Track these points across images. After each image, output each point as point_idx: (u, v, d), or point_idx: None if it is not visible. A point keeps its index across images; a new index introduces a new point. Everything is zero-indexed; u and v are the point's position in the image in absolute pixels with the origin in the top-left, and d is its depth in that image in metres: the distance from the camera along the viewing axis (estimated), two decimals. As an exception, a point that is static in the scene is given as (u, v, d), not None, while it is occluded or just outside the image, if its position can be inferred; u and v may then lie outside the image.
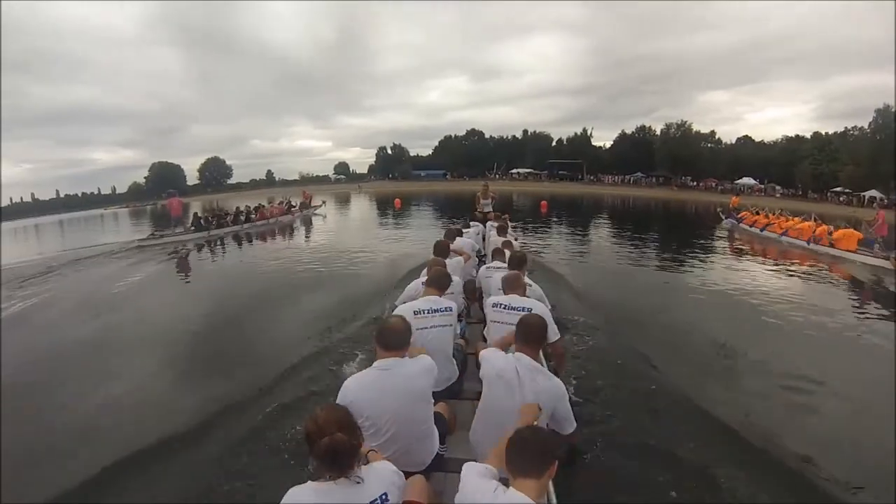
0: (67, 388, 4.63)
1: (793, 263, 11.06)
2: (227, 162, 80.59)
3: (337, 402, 1.99)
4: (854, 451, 3.41)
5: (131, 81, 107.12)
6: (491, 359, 2.30)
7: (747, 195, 42.74)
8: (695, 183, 54.33)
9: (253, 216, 19.09)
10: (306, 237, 16.60)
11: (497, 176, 62.46)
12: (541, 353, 2.81)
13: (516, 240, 6.85)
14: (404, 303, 3.30)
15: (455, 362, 3.01)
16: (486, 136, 73.97)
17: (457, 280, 3.85)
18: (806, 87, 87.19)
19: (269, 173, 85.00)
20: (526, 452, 1.48)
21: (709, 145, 57.68)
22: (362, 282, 8.38)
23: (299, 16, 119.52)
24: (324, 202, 26.74)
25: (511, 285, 3.22)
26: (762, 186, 50.52)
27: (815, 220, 13.75)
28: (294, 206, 22.61)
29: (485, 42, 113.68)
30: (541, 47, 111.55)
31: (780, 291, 8.16)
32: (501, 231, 6.25)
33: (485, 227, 7.84)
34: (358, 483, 1.47)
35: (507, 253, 4.65)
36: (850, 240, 11.90)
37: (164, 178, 72.53)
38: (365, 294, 7.21)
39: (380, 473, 1.57)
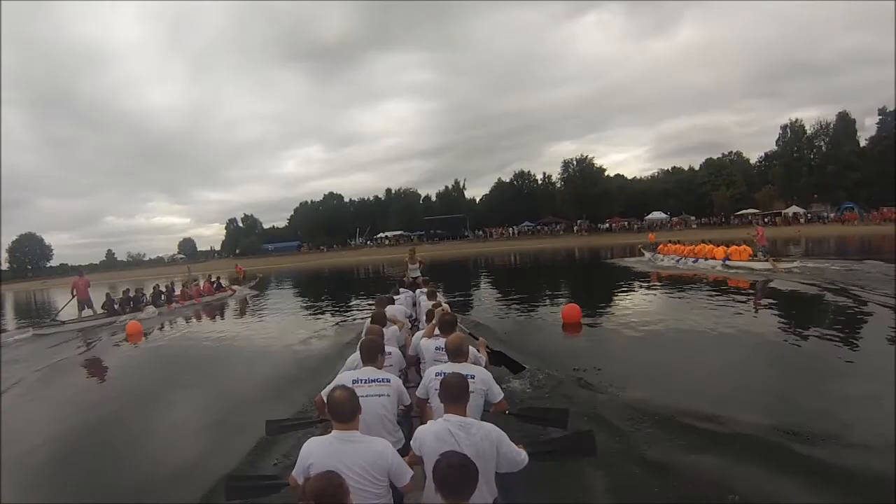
0: None
1: (705, 279, 14.91)
2: (73, 240, 72.82)
3: (298, 461, 2.27)
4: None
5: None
6: (424, 429, 2.48)
7: (667, 230, 44.30)
8: (607, 225, 54.69)
9: (175, 297, 17.94)
10: (239, 317, 15.82)
11: (365, 242, 58.63)
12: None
13: (445, 303, 7.20)
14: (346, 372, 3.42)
15: (401, 428, 3.12)
16: (346, 199, 69.19)
17: (394, 350, 4.02)
18: (641, 132, 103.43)
19: (110, 253, 76.87)
20: (451, 476, 1.78)
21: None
22: (299, 361, 7.96)
23: (154, 81, 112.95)
24: (260, 277, 25.72)
25: (455, 353, 3.30)
26: (680, 219, 52.06)
27: (716, 244, 17.96)
28: (224, 285, 21.45)
29: (338, 109, 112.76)
30: (394, 112, 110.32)
31: (693, 302, 11.37)
32: (431, 295, 6.59)
33: (414, 292, 8.15)
34: None
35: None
36: (743, 253, 16.02)
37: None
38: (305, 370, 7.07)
39: None
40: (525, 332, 9.17)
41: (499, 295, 16.01)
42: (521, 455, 2.44)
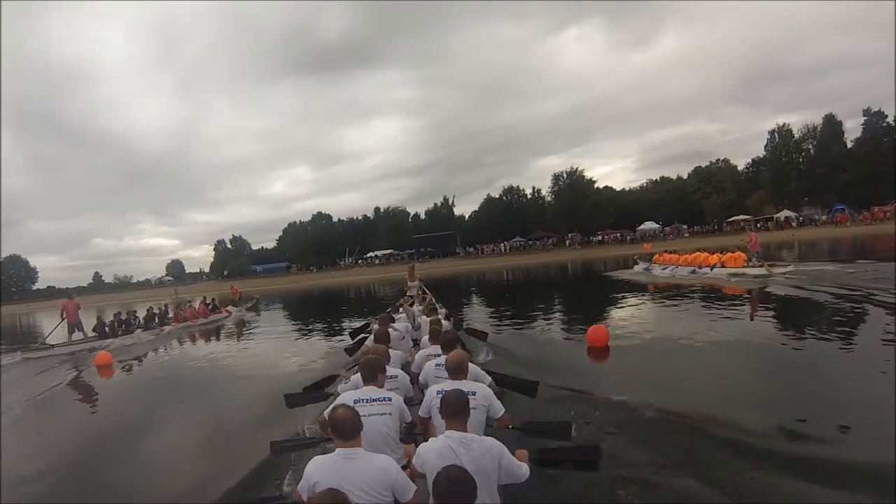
0: None
1: (703, 287, 14.79)
2: (62, 262, 72.08)
3: (303, 479, 2.29)
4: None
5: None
6: (425, 446, 2.53)
7: (660, 240, 44.32)
8: (600, 237, 54.51)
9: (168, 319, 17.57)
10: (236, 339, 15.28)
11: (355, 262, 58.46)
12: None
13: (447, 318, 7.13)
14: (349, 390, 3.40)
15: (402, 445, 3.12)
16: (335, 219, 68.78)
17: (399, 373, 3.96)
18: (626, 144, 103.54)
19: (98, 276, 76.91)
20: (450, 490, 1.83)
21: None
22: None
23: (141, 99, 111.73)
24: (257, 298, 25.43)
25: (455, 371, 3.30)
26: (672, 228, 51.88)
27: (710, 252, 18.15)
28: (217, 307, 20.87)
29: (326, 128, 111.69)
30: (381, 129, 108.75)
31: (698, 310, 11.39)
32: (431, 312, 6.51)
33: (413, 309, 8.07)
34: None
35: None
36: (737, 260, 16.05)
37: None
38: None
39: None
40: (547, 357, 8.25)
41: (500, 313, 15.09)
42: (523, 468, 2.50)
